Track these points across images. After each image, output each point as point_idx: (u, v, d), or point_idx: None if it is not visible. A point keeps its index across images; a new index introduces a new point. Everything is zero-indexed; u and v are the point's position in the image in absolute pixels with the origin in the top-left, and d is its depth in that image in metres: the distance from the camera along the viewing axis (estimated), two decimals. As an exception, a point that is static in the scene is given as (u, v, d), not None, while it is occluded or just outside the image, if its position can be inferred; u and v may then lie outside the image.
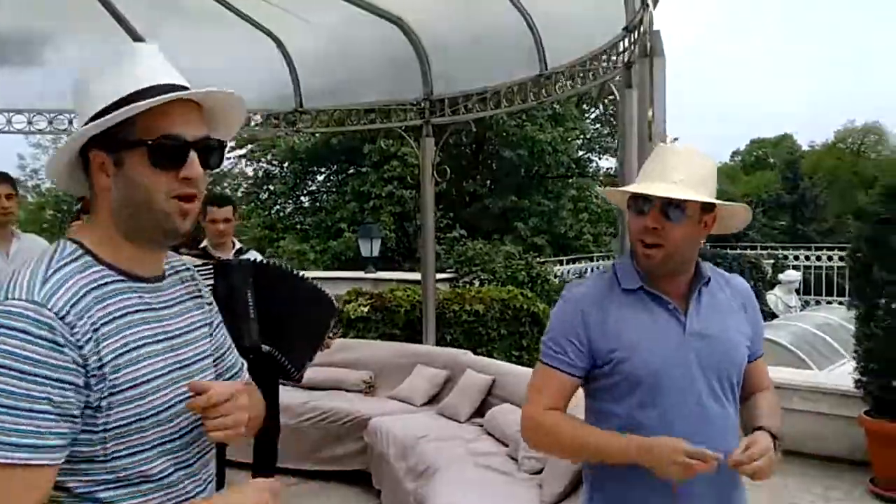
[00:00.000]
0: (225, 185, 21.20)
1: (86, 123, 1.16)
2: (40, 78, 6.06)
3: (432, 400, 5.24)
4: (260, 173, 20.74)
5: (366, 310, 6.48)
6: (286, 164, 19.78)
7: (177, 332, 1.23)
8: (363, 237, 9.35)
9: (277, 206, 20.46)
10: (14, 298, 1.03)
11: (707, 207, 1.73)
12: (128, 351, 1.12)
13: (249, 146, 19.63)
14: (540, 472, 3.73)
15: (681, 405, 1.70)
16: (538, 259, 10.53)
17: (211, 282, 3.57)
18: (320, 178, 20.46)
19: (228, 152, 19.99)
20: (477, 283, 8.46)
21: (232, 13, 5.31)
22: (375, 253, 9.03)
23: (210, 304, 1.39)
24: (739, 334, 1.81)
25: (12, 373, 0.99)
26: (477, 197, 18.41)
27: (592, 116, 21.29)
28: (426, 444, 4.35)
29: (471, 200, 18.50)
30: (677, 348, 1.72)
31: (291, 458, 4.87)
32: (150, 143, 1.13)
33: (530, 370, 5.09)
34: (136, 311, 1.16)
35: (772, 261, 14.36)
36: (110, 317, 1.12)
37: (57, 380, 1.02)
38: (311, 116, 6.21)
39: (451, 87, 5.62)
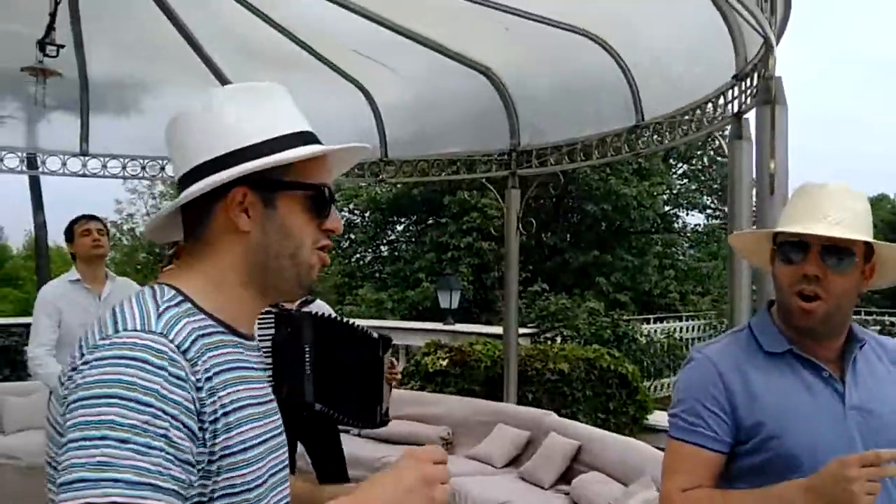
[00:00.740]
0: (308, 232, 21.66)
1: (223, 155, 1.04)
2: (135, 124, 6.29)
3: (513, 462, 5.04)
4: (342, 222, 21.08)
5: (444, 363, 6.40)
6: (367, 214, 20.18)
7: (265, 399, 1.08)
8: (442, 288, 9.24)
9: (357, 255, 20.81)
10: (128, 330, 0.92)
11: (868, 255, 1.49)
12: (236, 409, 0.98)
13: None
14: (634, 552, 3.43)
15: None
16: (624, 317, 10.19)
17: (271, 331, 3.54)
18: (400, 227, 20.76)
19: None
20: (559, 339, 8.27)
21: (321, 63, 5.36)
22: (454, 305, 8.91)
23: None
24: None
25: (129, 403, 0.85)
26: (557, 251, 18.20)
27: (679, 171, 20.86)
28: (509, 512, 4.11)
29: (551, 254, 18.30)
30: (837, 424, 1.47)
31: (364, 517, 4.70)
32: (318, 188, 1.08)
33: (620, 437, 4.82)
34: (241, 368, 1.03)
35: (877, 327, 13.49)
36: (221, 367, 0.98)
37: (174, 417, 0.88)
38: (395, 167, 6.17)
39: (538, 137, 5.49)
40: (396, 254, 20.05)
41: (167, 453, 0.86)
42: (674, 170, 20.48)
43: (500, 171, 5.79)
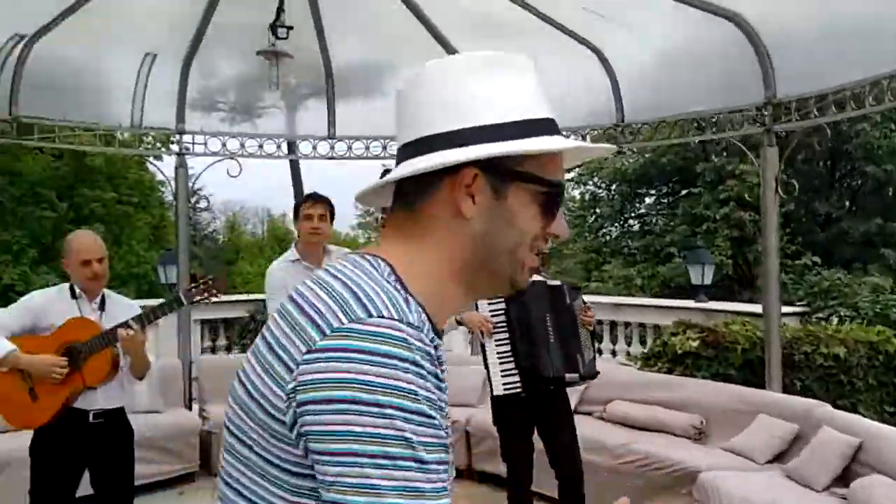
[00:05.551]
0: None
1: (459, 129, 0.96)
2: (373, 106, 6.75)
3: (777, 458, 4.64)
4: (587, 196, 21.49)
5: (695, 345, 6.12)
6: (613, 187, 20.30)
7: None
8: (692, 263, 9.04)
9: (603, 230, 21.06)
10: (384, 318, 0.83)
11: None
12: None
13: (577, 169, 20.16)
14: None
15: None
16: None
17: (500, 305, 3.69)
18: (649, 199, 20.62)
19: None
20: (835, 320, 7.71)
21: (550, 26, 5.34)
22: (707, 281, 8.63)
23: None
24: None
25: (415, 417, 0.80)
26: (833, 219, 17.19)
27: None
28: (775, 515, 3.80)
29: (825, 223, 17.33)
30: None
31: (613, 506, 4.60)
32: (555, 185, 0.98)
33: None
34: (441, 368, 0.92)
35: None
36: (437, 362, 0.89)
37: (444, 427, 0.85)
38: (633, 130, 5.91)
39: (797, 87, 4.95)
40: (646, 227, 20.01)
41: (447, 464, 0.83)
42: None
43: (753, 128, 5.33)
